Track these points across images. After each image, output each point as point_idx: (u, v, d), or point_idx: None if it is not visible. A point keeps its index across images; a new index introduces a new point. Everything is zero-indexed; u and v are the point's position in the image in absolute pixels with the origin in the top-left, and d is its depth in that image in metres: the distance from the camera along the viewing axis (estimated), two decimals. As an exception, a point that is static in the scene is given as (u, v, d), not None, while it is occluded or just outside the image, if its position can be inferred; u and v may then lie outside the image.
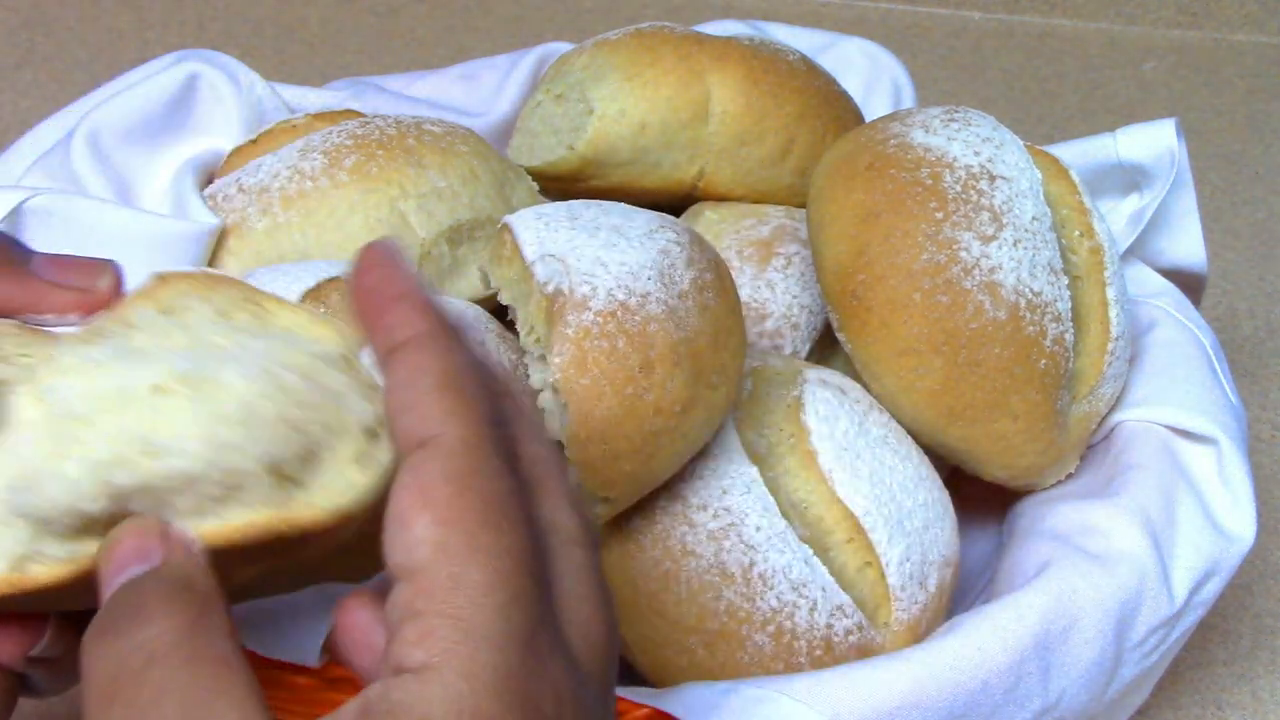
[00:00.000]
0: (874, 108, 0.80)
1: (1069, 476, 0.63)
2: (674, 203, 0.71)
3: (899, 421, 0.60)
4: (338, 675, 0.48)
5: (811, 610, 0.54)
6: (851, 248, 0.59)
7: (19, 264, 0.38)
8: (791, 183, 0.71)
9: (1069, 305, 0.60)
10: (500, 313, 0.57)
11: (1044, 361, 0.59)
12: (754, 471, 0.55)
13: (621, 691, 0.50)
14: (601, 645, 0.34)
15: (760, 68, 0.69)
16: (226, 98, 0.70)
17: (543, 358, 0.52)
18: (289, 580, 0.42)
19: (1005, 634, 0.52)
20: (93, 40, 1.15)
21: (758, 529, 0.54)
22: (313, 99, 0.74)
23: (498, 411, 0.34)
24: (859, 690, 0.50)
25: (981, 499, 0.65)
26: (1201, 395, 0.62)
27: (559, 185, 0.71)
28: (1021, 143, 0.64)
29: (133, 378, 0.33)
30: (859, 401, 0.59)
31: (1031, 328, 0.59)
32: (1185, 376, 0.63)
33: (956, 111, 0.64)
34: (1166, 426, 0.61)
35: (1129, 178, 0.71)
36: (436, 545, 0.31)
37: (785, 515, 0.55)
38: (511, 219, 0.55)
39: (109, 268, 0.38)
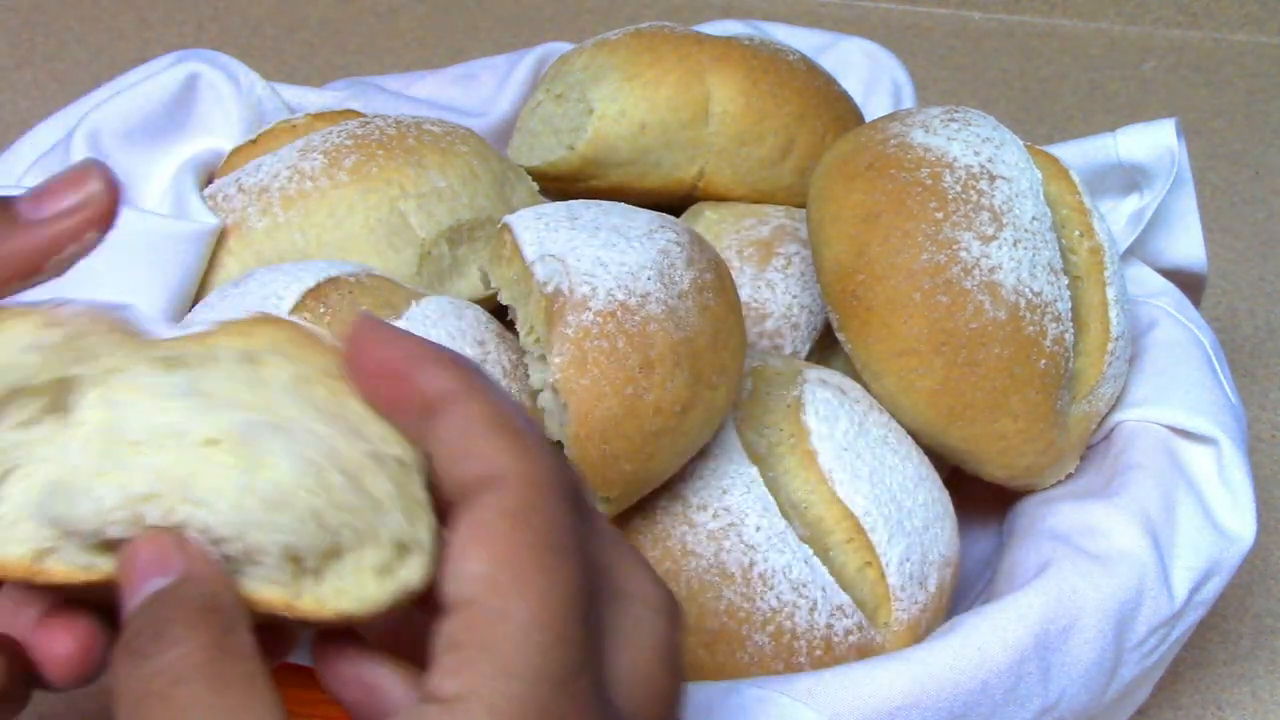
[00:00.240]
0: (874, 108, 0.80)
1: (1069, 476, 0.63)
2: (674, 203, 0.71)
3: (899, 421, 0.60)
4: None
5: (811, 610, 0.54)
6: (851, 248, 0.59)
7: (5, 215, 0.36)
8: (791, 183, 0.71)
9: (1069, 305, 0.60)
10: (500, 313, 0.57)
11: (1044, 361, 0.59)
12: (754, 471, 0.55)
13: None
14: (654, 715, 0.33)
15: (760, 68, 0.69)
16: (226, 98, 0.70)
17: (543, 358, 0.52)
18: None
19: (1005, 634, 0.52)
20: (93, 40, 1.15)
21: (758, 529, 0.54)
22: (313, 99, 0.74)
23: (560, 457, 0.34)
24: (859, 690, 0.50)
25: (981, 499, 0.65)
26: (1201, 395, 0.62)
27: (559, 185, 0.71)
28: (1021, 143, 0.64)
29: (192, 424, 0.33)
30: (859, 401, 0.59)
31: (1031, 328, 0.59)
32: (1185, 376, 0.63)
33: (956, 111, 0.64)
34: (1166, 426, 0.61)
35: (1129, 178, 0.71)
36: (486, 580, 0.31)
37: (785, 515, 0.55)
38: (511, 219, 0.55)
39: (92, 169, 0.36)
